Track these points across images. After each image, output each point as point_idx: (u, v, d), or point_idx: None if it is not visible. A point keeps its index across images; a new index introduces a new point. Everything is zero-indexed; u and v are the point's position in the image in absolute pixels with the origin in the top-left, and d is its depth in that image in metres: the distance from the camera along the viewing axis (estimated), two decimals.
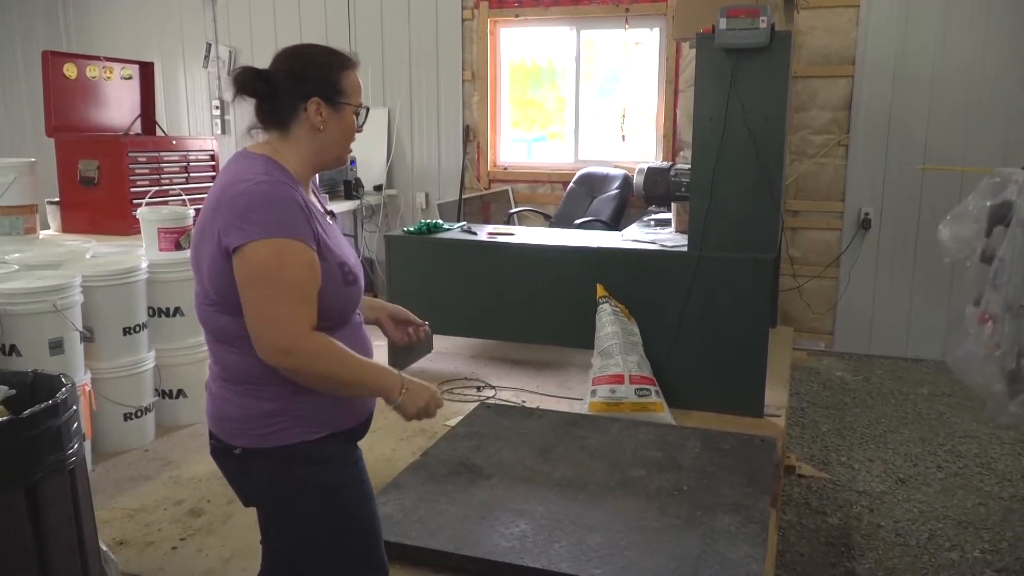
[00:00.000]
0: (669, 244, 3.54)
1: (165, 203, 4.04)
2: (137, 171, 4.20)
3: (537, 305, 3.66)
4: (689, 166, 3.41)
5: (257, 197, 1.46)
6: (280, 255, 1.44)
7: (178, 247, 3.33)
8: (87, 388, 2.84)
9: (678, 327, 3.35)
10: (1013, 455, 3.82)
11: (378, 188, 6.05)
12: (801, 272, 5.29)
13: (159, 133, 4.88)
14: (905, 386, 4.75)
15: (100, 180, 4.14)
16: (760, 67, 3.10)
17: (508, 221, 5.44)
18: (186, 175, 4.48)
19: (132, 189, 4.12)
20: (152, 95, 4.92)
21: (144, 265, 3.16)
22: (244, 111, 1.64)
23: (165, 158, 4.38)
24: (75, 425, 1.72)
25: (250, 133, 1.64)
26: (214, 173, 4.57)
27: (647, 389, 3.20)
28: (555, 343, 3.94)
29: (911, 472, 3.66)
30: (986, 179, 2.85)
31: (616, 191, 5.33)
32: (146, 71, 4.89)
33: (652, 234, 3.80)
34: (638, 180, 3.78)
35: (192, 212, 3.45)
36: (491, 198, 5.94)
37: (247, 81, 1.56)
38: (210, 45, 6.52)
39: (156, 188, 4.12)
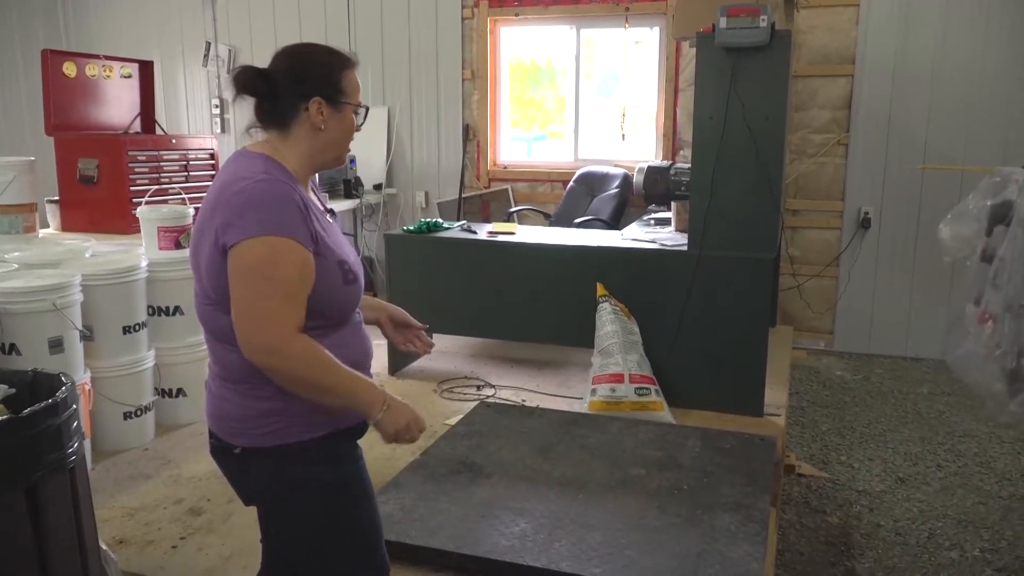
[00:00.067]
0: (669, 243, 3.54)
1: (165, 202, 4.04)
2: (137, 170, 4.19)
3: (537, 304, 3.66)
4: (689, 165, 3.41)
5: (255, 195, 1.46)
6: (273, 253, 1.44)
7: (178, 246, 3.33)
8: (87, 387, 2.83)
9: (678, 326, 3.35)
10: (1012, 454, 3.82)
11: (378, 187, 6.05)
12: (801, 271, 5.29)
13: (159, 132, 4.88)
14: (905, 385, 4.75)
15: (100, 179, 4.14)
16: (760, 66, 3.09)
17: (508, 220, 5.44)
18: (186, 174, 4.48)
19: (132, 188, 4.12)
20: (152, 94, 4.92)
21: (144, 264, 3.16)
22: (244, 110, 1.64)
23: (165, 157, 4.38)
24: (75, 424, 1.72)
25: (249, 132, 1.64)
26: (214, 172, 4.57)
27: (647, 388, 3.20)
28: (555, 342, 3.94)
29: (911, 471, 3.66)
30: (986, 178, 2.85)
31: (616, 190, 5.33)
32: (146, 70, 4.89)
33: (652, 233, 3.80)
34: (638, 179, 3.78)
35: (192, 211, 3.45)
36: (491, 197, 5.94)
37: (248, 80, 1.56)
38: (209, 44, 6.52)
39: (156, 187, 4.12)
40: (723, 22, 3.05)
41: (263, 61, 1.61)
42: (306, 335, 1.46)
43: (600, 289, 3.48)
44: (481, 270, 3.77)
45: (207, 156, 4.65)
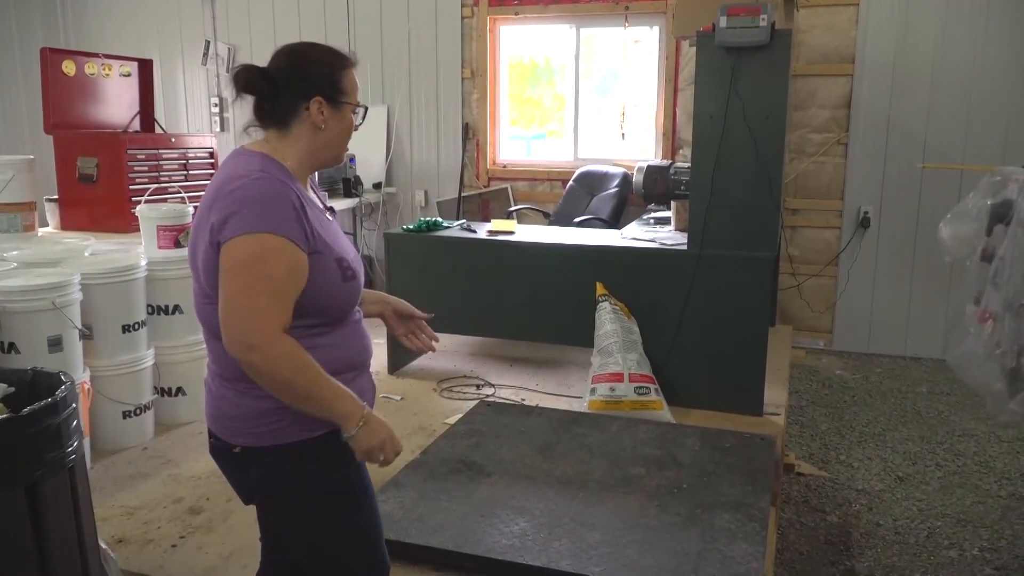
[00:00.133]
0: (669, 242, 3.54)
1: (164, 200, 4.04)
2: (136, 168, 4.19)
3: (536, 303, 3.66)
4: (688, 164, 3.41)
5: (250, 193, 1.46)
6: (264, 250, 1.44)
7: (177, 245, 3.33)
8: (86, 386, 2.83)
9: (677, 325, 3.35)
10: (1012, 453, 3.83)
11: (377, 186, 6.05)
12: (800, 271, 5.29)
13: (158, 130, 4.87)
14: (904, 385, 4.75)
15: (99, 177, 4.13)
16: (760, 65, 3.09)
17: (507, 219, 5.44)
18: (185, 172, 4.48)
19: (131, 186, 4.12)
20: (151, 92, 4.92)
21: (143, 263, 3.16)
22: (243, 109, 1.64)
23: (164, 155, 4.37)
24: (74, 423, 1.72)
25: (247, 131, 1.64)
26: (213, 171, 4.56)
27: (646, 387, 3.20)
28: (555, 341, 3.94)
29: (910, 470, 3.66)
30: (986, 177, 2.85)
31: (615, 189, 5.33)
32: (145, 68, 4.88)
33: (652, 232, 3.80)
34: (637, 178, 3.78)
35: (191, 210, 3.44)
36: (490, 196, 5.94)
37: (248, 79, 1.55)
38: (209, 42, 6.51)
39: (155, 185, 4.12)
40: (723, 21, 3.05)
41: (263, 60, 1.61)
42: (291, 337, 1.45)
43: (600, 288, 3.48)
44: (481, 269, 3.77)
45: (206, 155, 4.65)
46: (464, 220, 4.21)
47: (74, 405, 1.73)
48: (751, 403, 3.27)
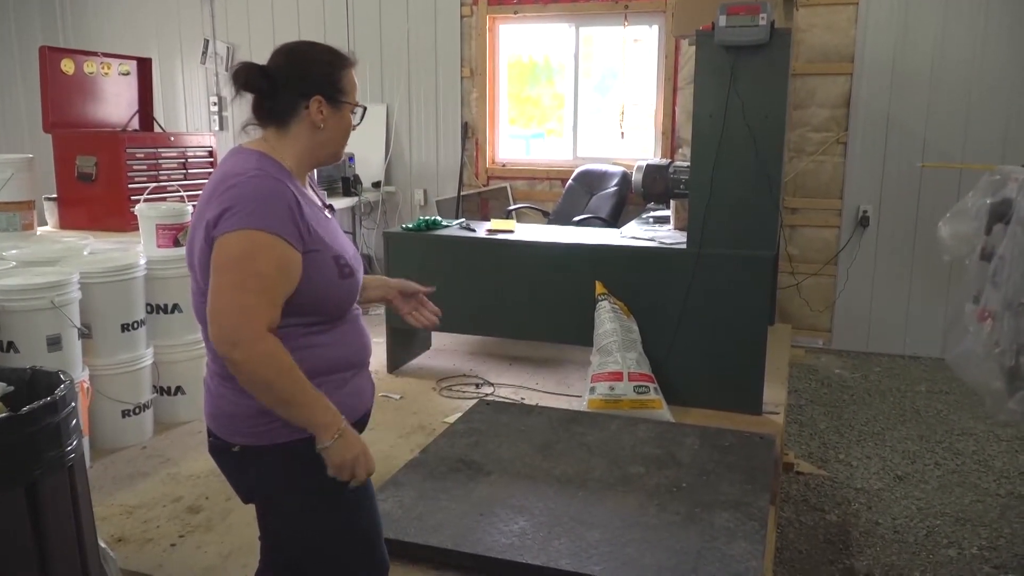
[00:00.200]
0: (668, 241, 3.54)
1: (163, 199, 4.04)
2: (135, 167, 4.19)
3: (536, 302, 3.65)
4: (688, 163, 3.41)
5: (245, 191, 1.46)
6: (253, 246, 1.44)
7: (176, 243, 3.33)
8: (85, 385, 2.83)
9: (677, 324, 3.35)
10: (1010, 452, 3.83)
11: (376, 185, 6.04)
12: (799, 270, 5.30)
13: (157, 129, 4.87)
14: (903, 383, 4.76)
15: (98, 176, 4.13)
16: (760, 64, 3.09)
17: (507, 218, 5.44)
18: (184, 171, 4.48)
19: (130, 185, 4.12)
20: (150, 91, 4.92)
21: (142, 261, 3.16)
22: (242, 107, 1.64)
23: (163, 154, 4.37)
24: (74, 422, 1.72)
25: (245, 130, 1.64)
26: (212, 169, 4.56)
27: (646, 386, 3.20)
28: (554, 340, 3.94)
29: (909, 469, 3.67)
30: (986, 176, 2.85)
31: (615, 188, 5.33)
32: (144, 67, 4.88)
33: (651, 231, 3.80)
34: (637, 177, 3.78)
35: (190, 208, 3.44)
36: (489, 195, 5.94)
37: (248, 77, 1.56)
38: (208, 41, 6.51)
39: (154, 184, 4.12)
40: (723, 20, 3.05)
41: (261, 58, 1.61)
42: (278, 339, 1.44)
43: (599, 287, 3.48)
44: (480, 268, 3.77)
45: (205, 153, 4.65)
46: (463, 219, 4.21)
47: (73, 404, 1.73)
48: (750, 402, 3.27)
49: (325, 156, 1.64)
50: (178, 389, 3.30)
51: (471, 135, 5.98)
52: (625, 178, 5.28)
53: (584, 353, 3.52)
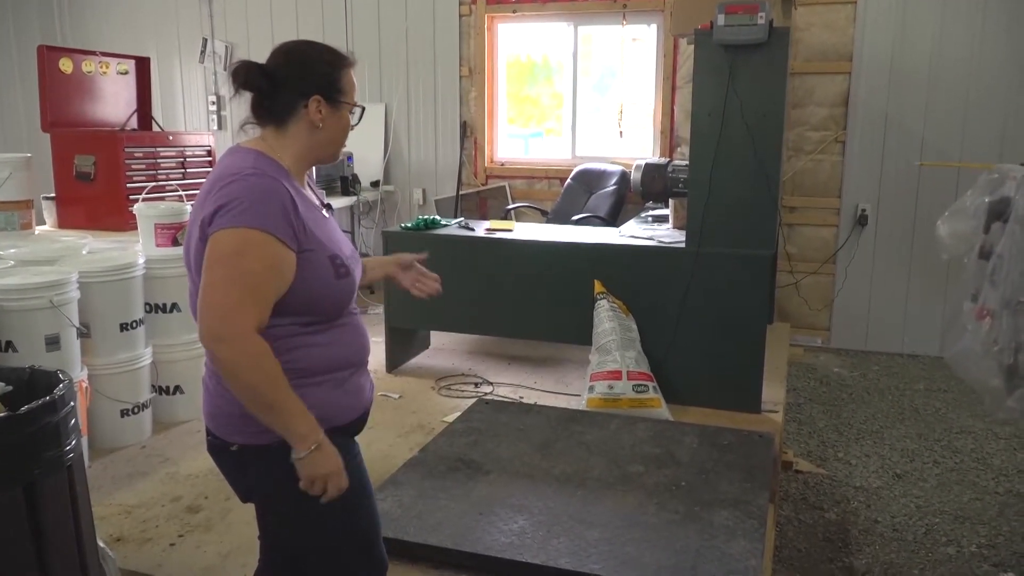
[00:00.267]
0: (667, 240, 3.54)
1: (162, 199, 4.03)
2: (133, 166, 4.19)
3: (535, 301, 3.65)
4: (686, 162, 3.41)
5: (241, 189, 1.46)
6: (243, 244, 1.44)
7: (175, 243, 3.32)
8: (84, 384, 2.83)
9: (676, 323, 3.35)
10: (1009, 450, 3.83)
11: (375, 184, 6.04)
12: (798, 268, 5.30)
13: (155, 128, 4.87)
14: (901, 382, 4.76)
15: (96, 175, 4.13)
16: (758, 63, 3.09)
17: (505, 217, 5.44)
18: (183, 170, 4.47)
19: (128, 185, 4.11)
20: (148, 90, 4.91)
21: (141, 261, 3.15)
22: (241, 106, 1.64)
23: (161, 153, 4.37)
24: (72, 421, 1.72)
25: (243, 128, 1.64)
26: (210, 168, 4.56)
27: (645, 385, 3.20)
28: (553, 339, 3.94)
29: (908, 467, 3.67)
30: (984, 175, 2.85)
31: (613, 187, 5.33)
32: (142, 66, 4.87)
33: (650, 230, 3.80)
34: (635, 176, 3.78)
35: (189, 208, 3.44)
36: (488, 194, 5.93)
37: (248, 75, 1.56)
38: (206, 40, 6.51)
39: (153, 183, 4.11)
40: (721, 19, 3.04)
41: (260, 58, 1.61)
42: (264, 342, 1.43)
43: (598, 286, 3.48)
44: (479, 267, 3.77)
45: (204, 153, 4.64)
46: (462, 218, 4.21)
47: (72, 404, 1.73)
48: (749, 401, 3.27)
49: (323, 156, 1.64)
50: (177, 388, 3.30)
51: (470, 134, 5.98)
52: (624, 177, 5.28)
53: (583, 352, 3.52)
